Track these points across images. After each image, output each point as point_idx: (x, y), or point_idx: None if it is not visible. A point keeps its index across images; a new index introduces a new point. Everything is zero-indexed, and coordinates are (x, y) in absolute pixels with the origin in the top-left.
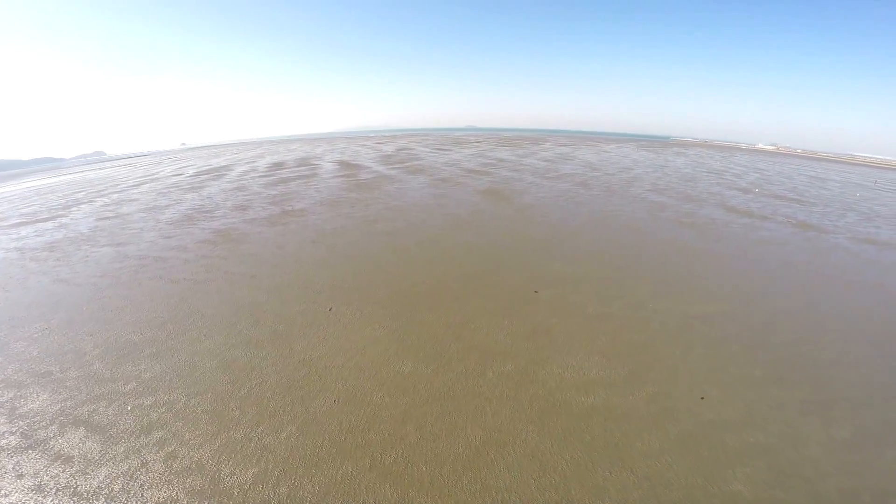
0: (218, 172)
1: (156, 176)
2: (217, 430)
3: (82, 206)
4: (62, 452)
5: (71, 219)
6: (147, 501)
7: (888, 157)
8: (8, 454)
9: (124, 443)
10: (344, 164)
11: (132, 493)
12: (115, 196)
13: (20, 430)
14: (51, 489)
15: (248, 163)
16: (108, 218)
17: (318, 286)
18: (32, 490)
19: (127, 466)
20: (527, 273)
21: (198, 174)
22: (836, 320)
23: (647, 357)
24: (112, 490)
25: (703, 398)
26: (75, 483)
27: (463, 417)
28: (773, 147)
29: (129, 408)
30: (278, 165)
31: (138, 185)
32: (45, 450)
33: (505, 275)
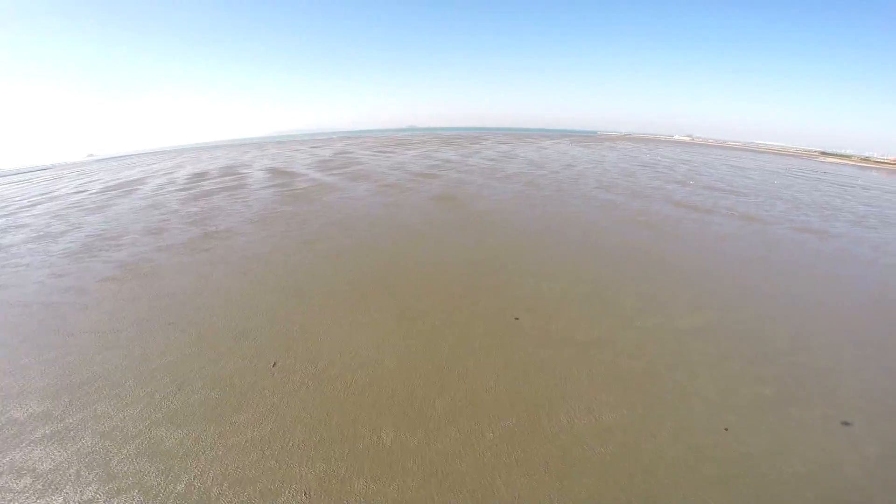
0: (129, 187)
1: (54, 194)
2: None
3: None
4: None
5: None
6: None
7: (785, 144)
8: None
9: None
10: (276, 172)
11: None
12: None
13: None
14: None
15: (165, 174)
16: None
17: (254, 333)
18: None
19: None
20: (500, 295)
21: (105, 190)
22: (814, 320)
23: (655, 387)
24: None
25: (726, 429)
26: None
27: (473, 499)
28: (688, 138)
29: None
30: (200, 176)
31: (32, 205)
32: None
33: (478, 299)
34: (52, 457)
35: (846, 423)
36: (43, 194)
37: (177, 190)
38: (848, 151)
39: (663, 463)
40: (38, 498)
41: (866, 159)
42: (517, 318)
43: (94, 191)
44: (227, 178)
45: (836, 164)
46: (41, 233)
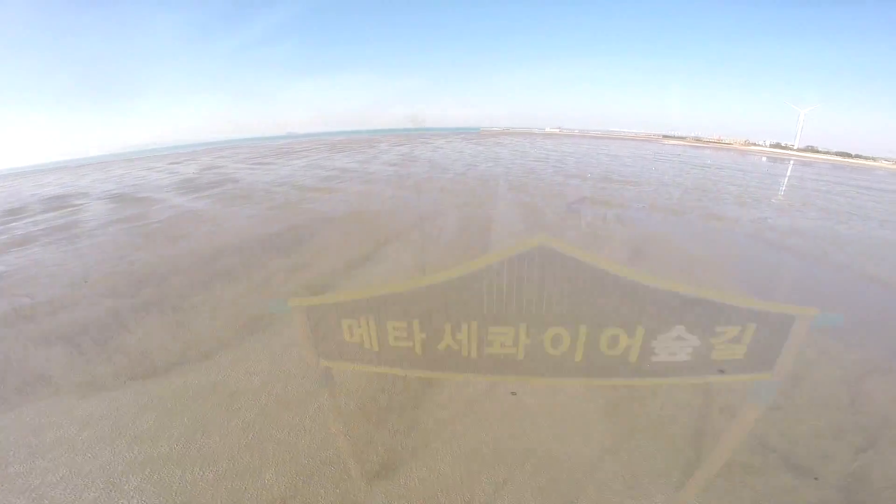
0: None
1: None
2: None
3: None
4: None
5: None
6: None
7: (635, 130)
8: None
9: None
10: (123, 200)
11: None
12: None
13: None
14: None
15: None
16: None
17: None
18: None
19: None
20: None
21: None
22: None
23: (722, 456)
24: None
25: (816, 478)
26: None
27: None
28: (557, 130)
29: None
30: (13, 213)
31: None
32: None
33: (458, 374)
34: None
35: None
36: None
37: None
38: (681, 133)
39: None
40: None
41: (698, 139)
42: (514, 394)
43: None
44: (52, 213)
45: (679, 145)
46: None
